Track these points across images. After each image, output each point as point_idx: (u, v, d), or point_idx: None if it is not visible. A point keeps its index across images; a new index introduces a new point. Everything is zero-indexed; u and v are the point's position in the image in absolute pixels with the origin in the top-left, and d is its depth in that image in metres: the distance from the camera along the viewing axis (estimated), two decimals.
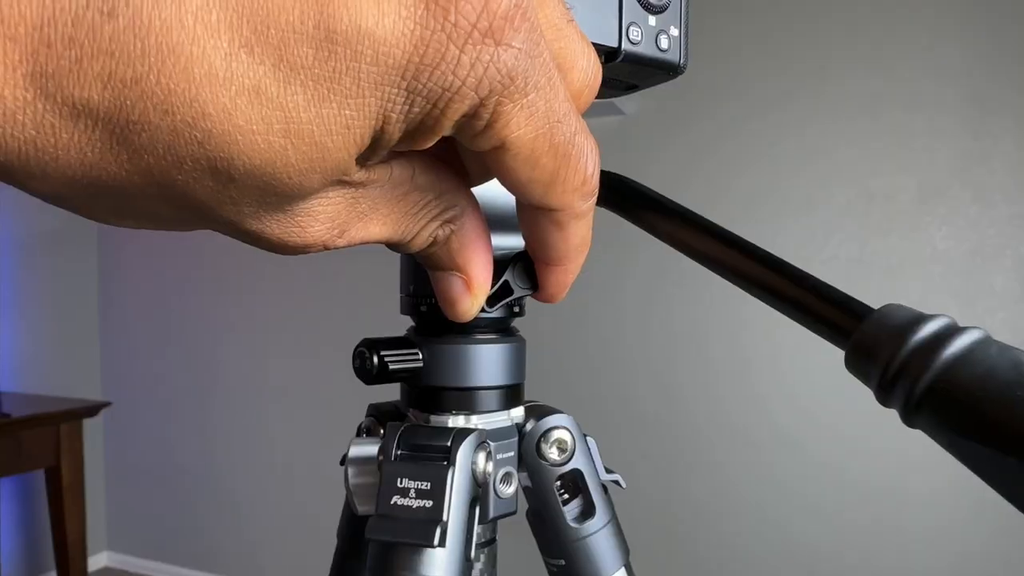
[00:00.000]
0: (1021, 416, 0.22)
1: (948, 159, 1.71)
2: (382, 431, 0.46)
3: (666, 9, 0.40)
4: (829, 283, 0.30)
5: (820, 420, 1.83)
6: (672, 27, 0.40)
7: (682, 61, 0.41)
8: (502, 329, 0.42)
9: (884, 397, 0.26)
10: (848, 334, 0.28)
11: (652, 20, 0.39)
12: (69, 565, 2.06)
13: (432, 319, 0.41)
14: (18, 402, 2.17)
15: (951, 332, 0.24)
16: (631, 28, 0.38)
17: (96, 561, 2.80)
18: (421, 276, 0.40)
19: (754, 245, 0.33)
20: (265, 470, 2.57)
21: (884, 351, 0.26)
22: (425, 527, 0.35)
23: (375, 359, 0.38)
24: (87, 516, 2.47)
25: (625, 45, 0.38)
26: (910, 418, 0.25)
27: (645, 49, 0.39)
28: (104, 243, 2.83)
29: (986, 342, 0.24)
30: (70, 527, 2.06)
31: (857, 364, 0.27)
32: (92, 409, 2.16)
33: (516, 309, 0.42)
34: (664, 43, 0.40)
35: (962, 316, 1.69)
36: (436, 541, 0.34)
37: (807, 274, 0.31)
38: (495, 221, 0.40)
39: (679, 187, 1.93)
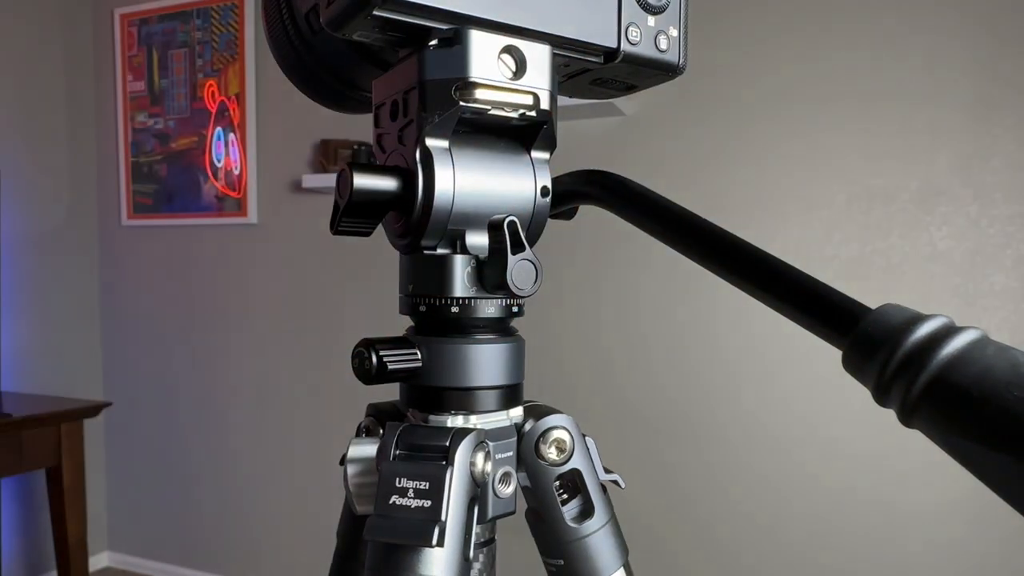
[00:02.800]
0: (1017, 415, 0.22)
1: (949, 158, 1.71)
2: (381, 431, 0.46)
3: (665, 10, 0.40)
4: (828, 283, 0.30)
5: (823, 420, 1.83)
6: (671, 28, 0.40)
7: (681, 62, 0.41)
8: (501, 329, 0.42)
9: (882, 398, 0.26)
10: (845, 334, 0.27)
11: (651, 21, 0.39)
12: (70, 565, 2.06)
13: (431, 319, 0.41)
14: (19, 402, 2.16)
15: (948, 332, 0.24)
16: (630, 29, 0.39)
17: (97, 561, 2.81)
18: (420, 276, 0.40)
19: (752, 246, 0.33)
20: (267, 470, 2.57)
21: (881, 352, 0.25)
22: (423, 527, 0.35)
23: (374, 359, 0.38)
24: (88, 516, 2.46)
25: (624, 46, 0.39)
26: (908, 419, 0.25)
27: (644, 50, 0.39)
28: (105, 242, 2.84)
29: (983, 342, 0.24)
30: (71, 527, 2.06)
31: (854, 364, 0.27)
32: (93, 409, 2.16)
33: (515, 309, 0.41)
34: (663, 44, 0.40)
35: (962, 316, 1.70)
36: (435, 541, 0.34)
37: (805, 275, 0.31)
38: (478, 220, 0.40)
39: (679, 186, 1.93)
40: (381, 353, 0.38)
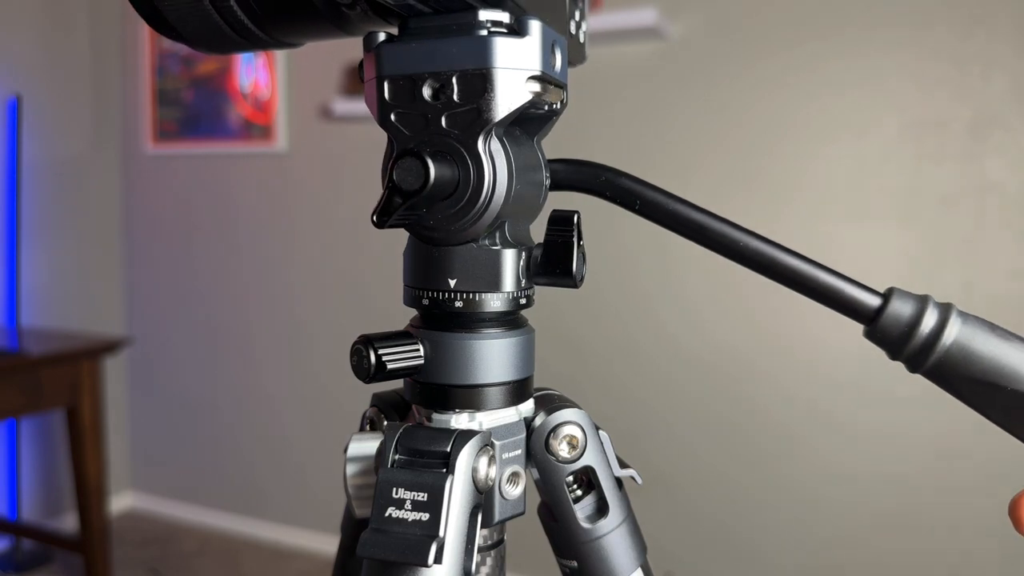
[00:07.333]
0: (1004, 359, 0.34)
1: (1003, 86, 1.65)
2: (387, 423, 0.44)
3: (583, 8, 0.45)
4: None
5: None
6: (584, 23, 0.45)
7: (587, 53, 0.47)
8: (510, 321, 0.39)
9: (897, 359, 0.36)
10: (867, 321, 0.36)
11: (577, 15, 0.44)
12: (90, 507, 2.06)
13: (435, 312, 0.38)
14: (37, 338, 2.15)
15: (946, 318, 0.35)
16: (570, 22, 0.43)
17: (120, 501, 2.82)
18: (470, 270, 0.37)
19: (773, 245, 0.38)
20: (295, 408, 2.55)
21: (898, 346, 0.36)
22: (420, 544, 0.32)
23: (372, 357, 0.36)
24: (112, 457, 2.47)
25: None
26: (917, 373, 0.36)
27: (575, 42, 0.44)
28: (128, 170, 2.78)
29: (965, 322, 0.35)
30: (90, 469, 2.05)
31: (876, 339, 0.36)
32: (113, 346, 2.15)
33: (523, 301, 0.39)
34: (582, 37, 0.45)
35: (1018, 250, 1.65)
36: (431, 560, 0.32)
37: (826, 270, 0.37)
38: (520, 210, 0.38)
39: (725, 115, 1.87)
40: (380, 352, 0.36)
